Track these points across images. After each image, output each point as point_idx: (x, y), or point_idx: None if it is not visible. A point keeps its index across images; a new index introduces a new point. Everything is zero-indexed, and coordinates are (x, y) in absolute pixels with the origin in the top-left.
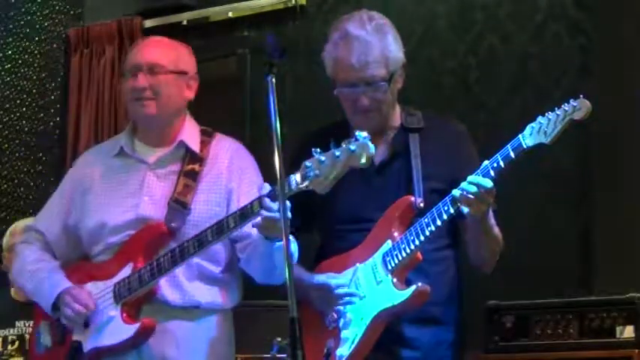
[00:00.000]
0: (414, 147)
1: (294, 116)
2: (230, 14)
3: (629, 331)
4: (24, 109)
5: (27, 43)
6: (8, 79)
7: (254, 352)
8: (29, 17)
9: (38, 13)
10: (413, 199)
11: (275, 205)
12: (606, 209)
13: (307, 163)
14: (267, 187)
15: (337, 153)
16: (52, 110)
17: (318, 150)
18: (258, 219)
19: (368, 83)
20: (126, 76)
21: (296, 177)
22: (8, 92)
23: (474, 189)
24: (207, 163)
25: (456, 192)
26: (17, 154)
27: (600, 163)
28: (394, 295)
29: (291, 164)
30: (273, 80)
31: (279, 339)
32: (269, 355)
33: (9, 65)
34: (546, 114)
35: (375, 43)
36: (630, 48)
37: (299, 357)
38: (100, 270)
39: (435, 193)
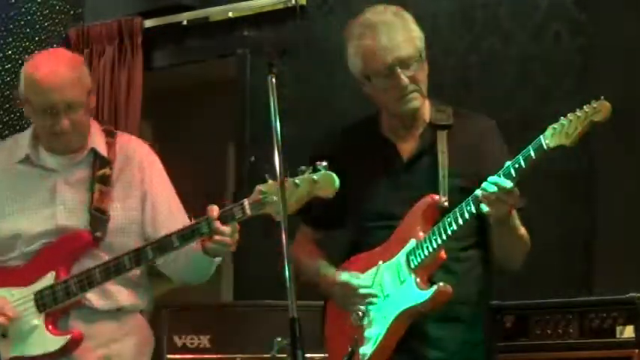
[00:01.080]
0: (441, 144)
1: (294, 116)
2: (230, 14)
3: (629, 331)
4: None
5: (27, 43)
6: (8, 79)
7: (254, 352)
8: (29, 17)
9: (38, 13)
10: (437, 197)
11: (227, 229)
12: (607, 209)
13: (262, 188)
14: (215, 209)
15: (297, 182)
16: None
17: (271, 176)
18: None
19: (403, 62)
20: (38, 111)
21: (249, 202)
22: (8, 92)
23: (493, 189)
24: (115, 165)
25: (478, 192)
26: None
27: (601, 164)
28: (416, 294)
29: (314, 159)
30: (273, 80)
31: (279, 339)
32: (269, 355)
33: (9, 65)
34: (568, 115)
35: (399, 24)
36: (630, 48)
37: (299, 357)
38: (14, 276)
39: (461, 191)
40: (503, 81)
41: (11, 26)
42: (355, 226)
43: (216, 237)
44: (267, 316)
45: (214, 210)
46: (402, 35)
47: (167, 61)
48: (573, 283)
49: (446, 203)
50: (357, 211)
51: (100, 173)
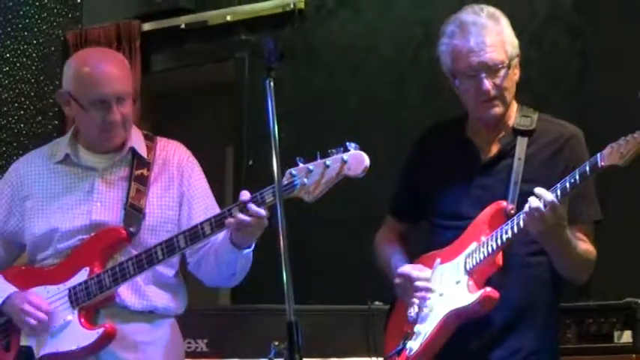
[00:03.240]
0: (519, 149)
1: (292, 120)
2: (228, 18)
3: (626, 336)
4: (22, 112)
5: (25, 46)
6: (6, 82)
7: (251, 357)
8: (27, 20)
9: (36, 16)
10: (504, 203)
11: (262, 210)
12: (605, 215)
13: (293, 171)
14: (246, 193)
15: (328, 162)
16: (51, 113)
17: (302, 159)
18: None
19: (488, 67)
20: (88, 106)
21: (276, 177)
22: (6, 95)
23: (536, 203)
24: (154, 167)
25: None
26: (15, 158)
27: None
28: (465, 297)
29: (410, 158)
30: (272, 84)
31: (276, 343)
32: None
33: (7, 68)
34: (628, 135)
35: (491, 27)
36: (629, 52)
37: None
38: (49, 274)
39: None
40: None
41: (9, 29)
42: (430, 224)
43: (246, 218)
44: (265, 320)
45: (245, 194)
46: (491, 40)
47: (165, 65)
48: (571, 289)
49: (512, 210)
50: (433, 208)
51: (138, 173)
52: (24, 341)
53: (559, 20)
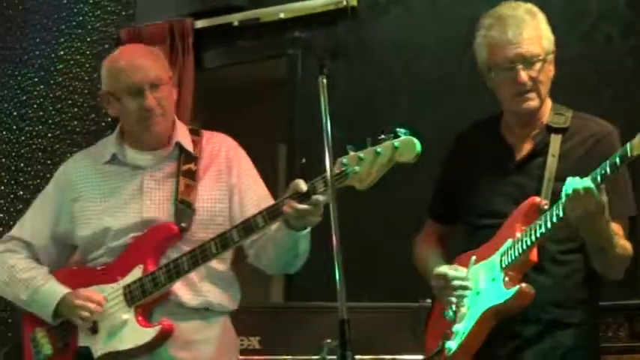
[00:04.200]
0: (553, 147)
1: (344, 117)
2: (281, 15)
3: None
4: (75, 109)
5: (79, 44)
6: (60, 79)
7: (303, 354)
8: (81, 18)
9: (90, 14)
10: (538, 199)
11: (321, 197)
12: None
13: (344, 159)
14: (302, 184)
15: (379, 149)
16: (104, 111)
17: (352, 147)
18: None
19: (524, 59)
20: (124, 98)
21: (329, 175)
22: (60, 93)
23: (571, 188)
24: (201, 161)
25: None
26: (69, 155)
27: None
28: (501, 293)
29: (446, 160)
30: (324, 81)
31: (328, 341)
32: (319, 357)
33: (61, 66)
34: None
35: (528, 22)
36: None
37: (348, 359)
38: (103, 273)
39: None
40: (556, 83)
41: (63, 27)
42: (466, 223)
43: (297, 206)
44: (317, 317)
45: (299, 184)
46: (529, 33)
47: (218, 62)
48: (623, 287)
49: (546, 206)
50: (468, 207)
51: (186, 168)
52: (82, 342)
53: (612, 16)
